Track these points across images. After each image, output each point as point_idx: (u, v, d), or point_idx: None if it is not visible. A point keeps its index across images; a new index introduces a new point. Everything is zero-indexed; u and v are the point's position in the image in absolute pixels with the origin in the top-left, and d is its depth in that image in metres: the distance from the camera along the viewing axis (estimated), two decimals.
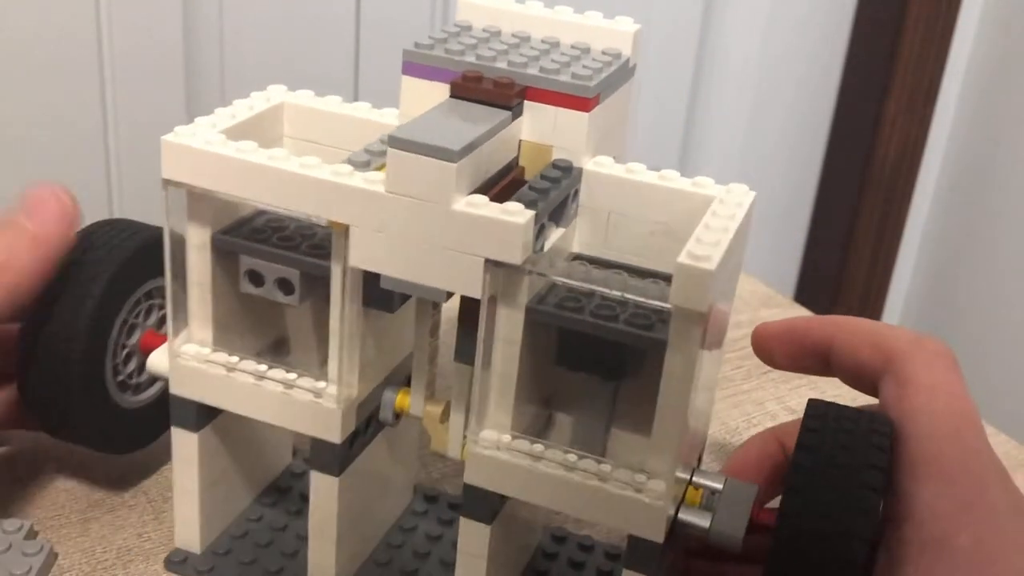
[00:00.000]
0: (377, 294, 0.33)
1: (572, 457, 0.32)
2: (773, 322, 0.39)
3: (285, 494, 0.41)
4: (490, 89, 0.33)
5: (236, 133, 0.34)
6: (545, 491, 0.32)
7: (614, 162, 0.34)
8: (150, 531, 0.39)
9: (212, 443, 0.37)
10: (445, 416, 0.35)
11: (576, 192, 0.34)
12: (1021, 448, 0.51)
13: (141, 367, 0.39)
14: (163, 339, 0.37)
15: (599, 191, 0.34)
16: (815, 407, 0.33)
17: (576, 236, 0.35)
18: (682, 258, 0.28)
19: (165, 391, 0.36)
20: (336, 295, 0.33)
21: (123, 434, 0.39)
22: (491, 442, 0.33)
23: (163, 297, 0.38)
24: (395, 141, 0.30)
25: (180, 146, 0.32)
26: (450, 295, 0.32)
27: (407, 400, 0.36)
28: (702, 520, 0.33)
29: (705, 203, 0.32)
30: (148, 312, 0.39)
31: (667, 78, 1.13)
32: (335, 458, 0.35)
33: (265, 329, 0.38)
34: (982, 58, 1.22)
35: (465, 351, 0.33)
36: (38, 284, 0.35)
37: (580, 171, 0.34)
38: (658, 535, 0.31)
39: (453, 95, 0.33)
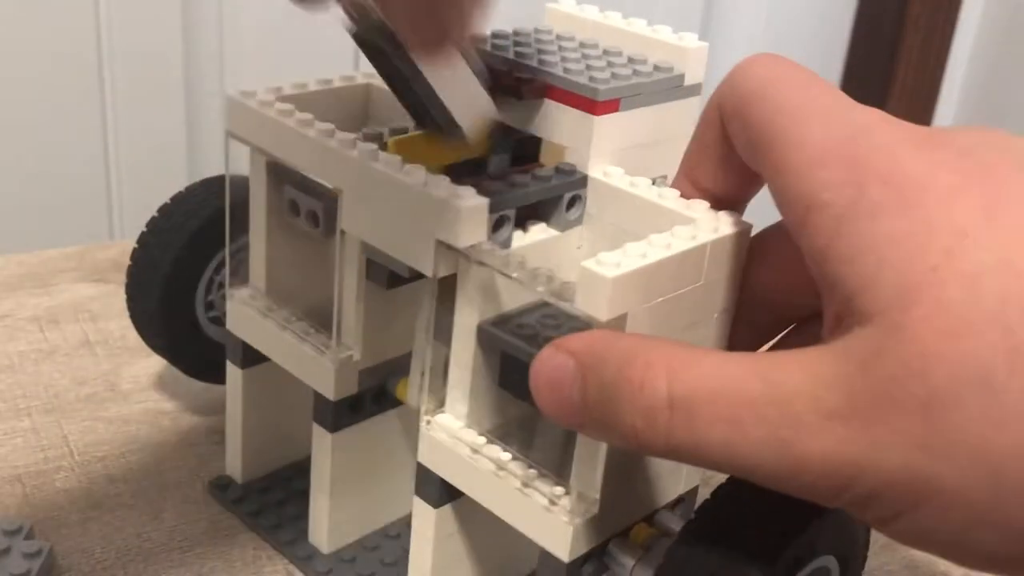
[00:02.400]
0: (374, 269, 0.35)
1: (505, 456, 0.32)
2: None
3: None
4: (509, 83, 0.33)
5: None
6: (478, 487, 0.32)
7: (624, 174, 0.33)
8: (150, 531, 0.40)
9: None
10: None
11: (577, 198, 0.33)
12: None
13: None
14: None
15: (602, 202, 0.33)
16: None
17: (586, 246, 0.34)
18: (587, 263, 0.27)
19: None
20: (336, 258, 0.35)
21: (212, 364, 0.44)
22: (442, 426, 0.33)
23: None
24: None
25: (236, 103, 0.36)
26: (412, 270, 0.33)
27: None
28: (625, 559, 0.31)
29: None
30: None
31: None
32: (329, 415, 0.36)
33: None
34: (983, 59, 1.23)
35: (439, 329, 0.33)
36: None
37: (584, 177, 0.33)
38: (563, 554, 0.30)
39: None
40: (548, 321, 0.32)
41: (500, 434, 0.32)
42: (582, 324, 0.28)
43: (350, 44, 0.32)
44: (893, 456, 0.22)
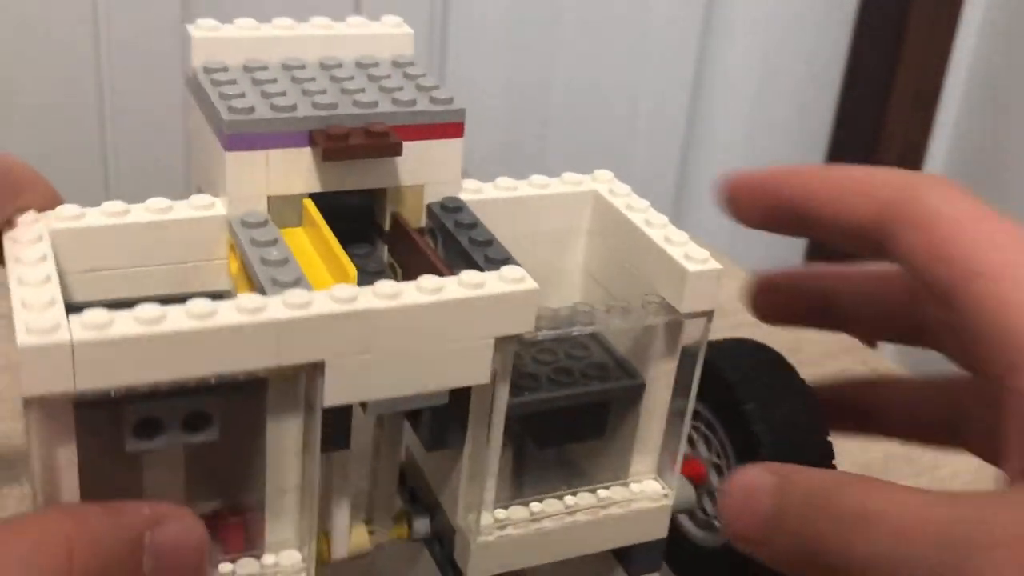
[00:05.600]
0: (333, 433, 0.26)
1: (570, 500, 0.30)
2: (743, 170, 0.32)
3: None
4: (369, 143, 0.27)
5: None
6: (554, 547, 0.30)
7: (478, 184, 0.31)
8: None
9: None
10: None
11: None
12: None
13: None
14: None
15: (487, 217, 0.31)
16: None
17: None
18: (691, 266, 0.28)
19: None
20: (297, 448, 0.25)
21: None
22: (491, 526, 0.29)
23: None
24: None
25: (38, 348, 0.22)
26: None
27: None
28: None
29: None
30: None
31: (667, 79, 1.08)
32: None
33: None
34: (985, 59, 1.19)
35: (441, 439, 0.28)
36: None
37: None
38: (663, 531, 0.31)
39: (327, 158, 0.27)
40: (551, 364, 0.30)
41: (527, 493, 0.30)
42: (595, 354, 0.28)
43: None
44: None
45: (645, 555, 0.32)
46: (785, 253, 1.31)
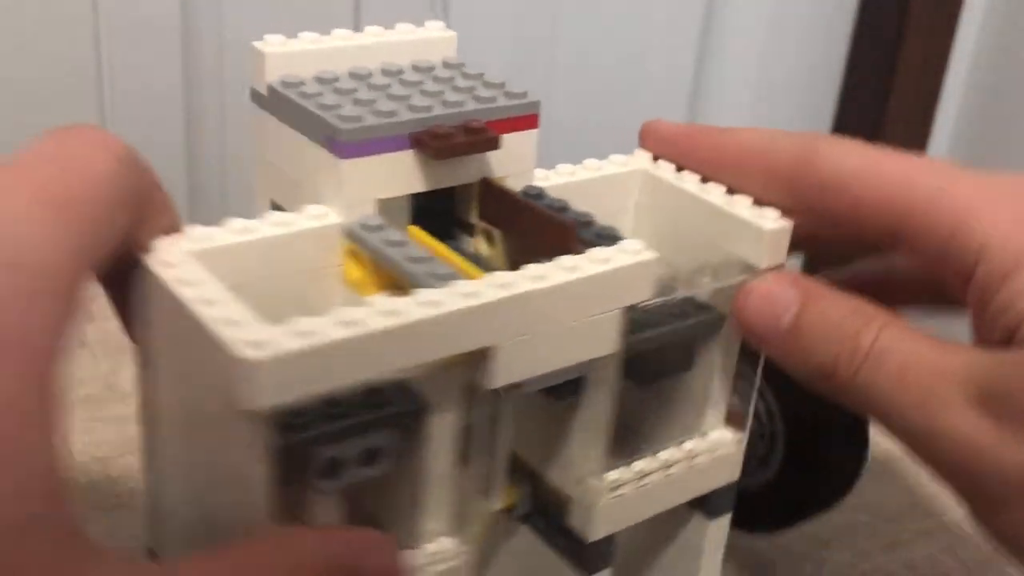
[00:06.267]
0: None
1: (664, 455, 0.32)
2: (661, 121, 0.34)
3: None
4: (472, 140, 0.28)
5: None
6: (654, 503, 0.32)
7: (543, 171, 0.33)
8: None
9: None
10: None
11: None
12: None
13: None
14: None
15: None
16: None
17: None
18: (767, 224, 0.30)
19: None
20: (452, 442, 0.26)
21: None
22: (606, 488, 0.31)
23: None
24: None
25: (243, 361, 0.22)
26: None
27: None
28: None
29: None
30: None
31: (667, 79, 1.08)
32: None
33: None
34: (985, 59, 1.20)
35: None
36: None
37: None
38: (737, 474, 0.34)
39: (439, 157, 0.28)
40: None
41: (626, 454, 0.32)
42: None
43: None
44: (1015, 455, 0.25)
45: (721, 497, 0.34)
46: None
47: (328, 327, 0.23)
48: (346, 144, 0.27)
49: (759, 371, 0.34)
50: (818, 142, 0.30)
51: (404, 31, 0.32)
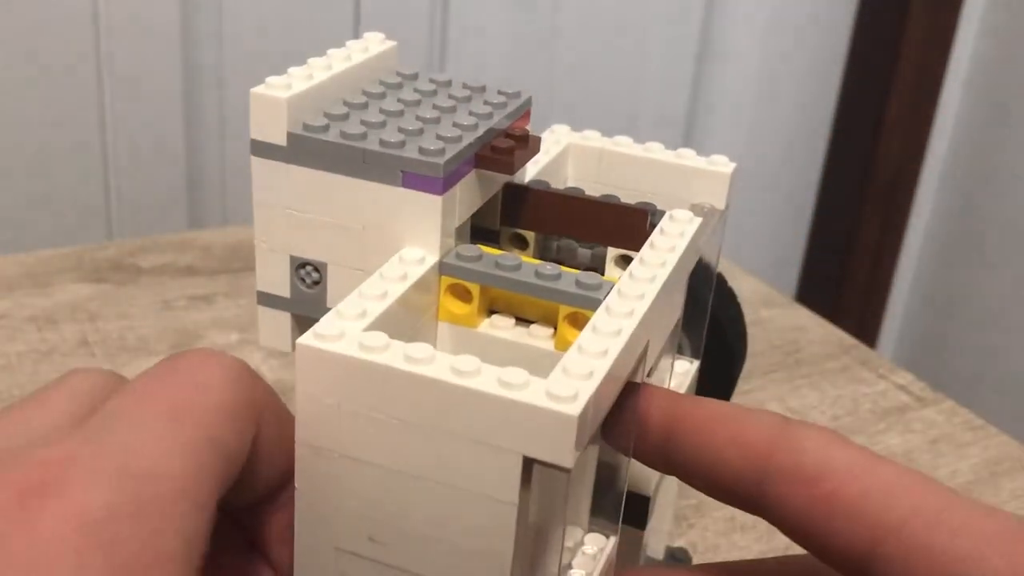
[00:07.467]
0: None
1: None
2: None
3: None
4: (522, 148, 0.28)
5: None
6: None
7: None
8: None
9: None
10: None
11: None
12: (1022, 448, 0.51)
13: None
14: None
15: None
16: None
17: None
18: (725, 169, 0.33)
19: None
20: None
21: None
22: None
23: None
24: None
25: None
26: None
27: None
28: None
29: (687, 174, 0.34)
30: None
31: (667, 78, 1.08)
32: None
33: None
34: (985, 59, 1.19)
35: None
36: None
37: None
38: None
39: (512, 171, 0.28)
40: None
41: None
42: None
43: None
44: None
45: None
46: (786, 252, 1.35)
47: (587, 366, 0.22)
48: (438, 179, 0.26)
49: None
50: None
51: (356, 48, 0.30)
